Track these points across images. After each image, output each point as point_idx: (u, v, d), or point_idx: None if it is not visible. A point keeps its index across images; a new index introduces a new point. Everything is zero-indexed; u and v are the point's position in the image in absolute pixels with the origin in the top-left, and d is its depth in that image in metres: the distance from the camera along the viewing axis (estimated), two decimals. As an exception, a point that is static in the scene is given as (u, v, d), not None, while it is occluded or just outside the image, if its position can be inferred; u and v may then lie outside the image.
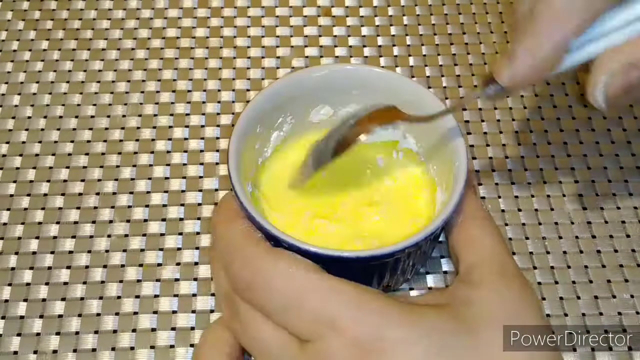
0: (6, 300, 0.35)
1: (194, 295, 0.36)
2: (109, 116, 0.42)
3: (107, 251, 0.37)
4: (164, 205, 0.39)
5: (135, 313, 0.35)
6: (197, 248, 0.37)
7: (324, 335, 0.24)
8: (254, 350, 0.27)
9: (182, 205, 0.39)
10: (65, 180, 0.40)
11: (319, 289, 0.25)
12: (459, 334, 0.25)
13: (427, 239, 0.28)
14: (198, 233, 0.38)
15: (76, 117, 0.42)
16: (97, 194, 0.39)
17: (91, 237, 0.37)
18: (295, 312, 0.25)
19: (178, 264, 0.37)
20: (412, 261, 0.31)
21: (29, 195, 0.39)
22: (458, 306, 0.26)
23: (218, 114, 0.43)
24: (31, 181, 0.40)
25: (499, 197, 0.39)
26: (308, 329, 0.25)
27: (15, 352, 0.34)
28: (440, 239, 0.33)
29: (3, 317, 0.35)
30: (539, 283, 0.36)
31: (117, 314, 0.35)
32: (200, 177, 0.40)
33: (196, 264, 0.37)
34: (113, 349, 0.34)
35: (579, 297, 0.36)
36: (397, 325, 0.24)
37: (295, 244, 0.27)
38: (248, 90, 0.44)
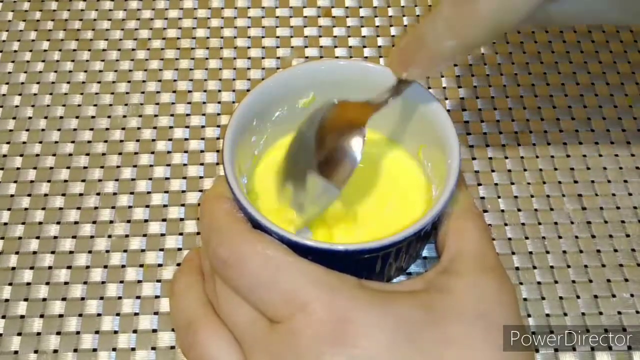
0: (6, 300, 0.35)
1: (195, 295, 0.36)
2: (109, 116, 0.42)
3: (107, 251, 0.37)
4: (165, 206, 0.39)
5: (136, 314, 0.35)
6: (197, 248, 0.37)
7: (294, 316, 0.25)
8: (228, 324, 0.27)
9: (183, 205, 0.39)
10: (65, 181, 0.40)
11: (292, 271, 0.26)
12: (428, 324, 0.25)
13: (416, 235, 0.28)
14: (199, 233, 0.38)
15: (77, 117, 0.42)
16: (98, 194, 0.39)
17: (92, 237, 0.38)
18: (267, 292, 0.25)
19: (179, 264, 0.37)
20: (402, 257, 0.31)
21: (29, 195, 0.39)
22: (433, 293, 0.26)
23: (218, 114, 0.43)
24: (32, 181, 0.40)
25: (499, 197, 0.39)
26: (279, 310, 0.25)
27: (16, 352, 0.34)
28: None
29: (3, 317, 0.35)
30: (539, 283, 0.36)
31: (117, 314, 0.35)
32: (201, 177, 0.40)
33: (197, 264, 0.37)
34: (114, 349, 0.34)
35: (578, 297, 0.36)
36: (366, 310, 0.25)
37: (278, 232, 0.27)
38: (248, 90, 0.44)
